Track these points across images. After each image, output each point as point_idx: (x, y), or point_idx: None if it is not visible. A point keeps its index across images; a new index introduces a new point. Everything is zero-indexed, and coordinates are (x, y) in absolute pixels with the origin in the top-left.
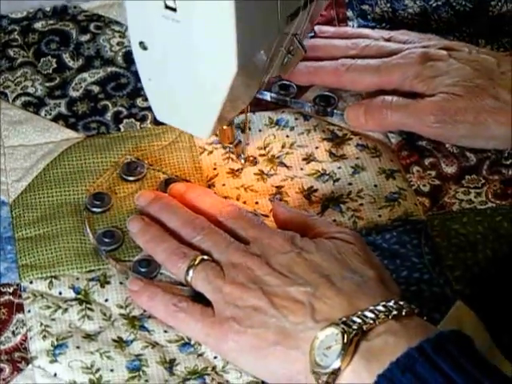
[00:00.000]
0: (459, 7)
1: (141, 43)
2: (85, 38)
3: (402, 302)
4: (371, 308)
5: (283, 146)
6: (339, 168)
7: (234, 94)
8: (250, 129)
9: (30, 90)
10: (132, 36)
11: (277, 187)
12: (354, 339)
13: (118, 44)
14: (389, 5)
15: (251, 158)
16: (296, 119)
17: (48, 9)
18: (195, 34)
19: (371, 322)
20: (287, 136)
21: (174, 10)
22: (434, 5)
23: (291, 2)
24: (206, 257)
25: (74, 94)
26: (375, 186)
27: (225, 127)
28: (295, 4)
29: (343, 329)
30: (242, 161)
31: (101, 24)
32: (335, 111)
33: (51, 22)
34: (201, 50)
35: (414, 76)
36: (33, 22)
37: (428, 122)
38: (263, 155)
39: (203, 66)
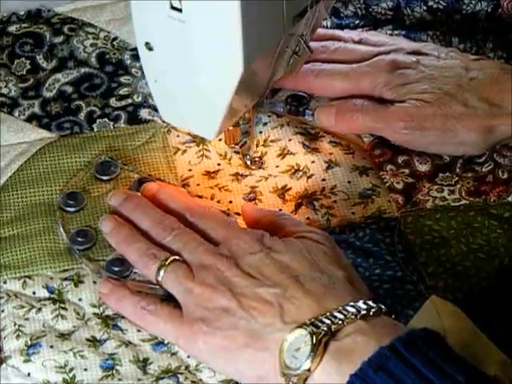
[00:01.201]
0: (432, 3)
1: (146, 44)
2: (58, 39)
3: (370, 302)
4: (340, 308)
5: (257, 145)
6: (313, 162)
7: (240, 95)
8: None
9: (4, 91)
10: (137, 37)
11: (251, 187)
12: (322, 340)
13: (91, 45)
14: (362, 0)
15: (257, 159)
16: (269, 116)
17: (22, 12)
18: (201, 35)
19: (340, 322)
20: (260, 132)
21: (180, 10)
22: None
23: (297, 2)
24: (177, 257)
25: (47, 94)
26: (348, 182)
27: (230, 128)
28: (301, 5)
29: (312, 330)
30: (248, 162)
31: (74, 26)
32: (307, 111)
33: (25, 25)
34: (207, 50)
35: (383, 84)
36: (6, 25)
37: (397, 128)
38: (237, 153)
39: (209, 66)
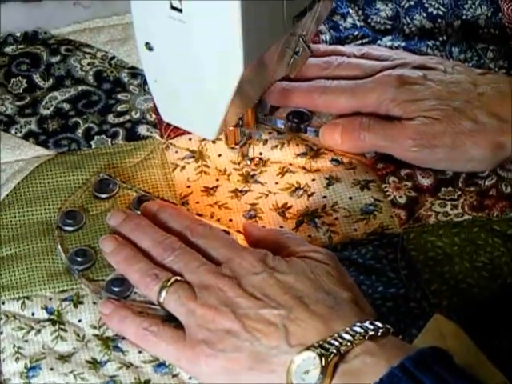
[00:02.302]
0: (432, 9)
1: (146, 44)
2: (55, 59)
3: (377, 323)
4: (347, 329)
5: (256, 164)
6: (313, 180)
7: (240, 95)
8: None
9: (0, 109)
10: (138, 37)
11: (251, 204)
12: (331, 362)
13: (88, 64)
14: (360, 12)
15: (257, 160)
16: (270, 133)
17: (18, 34)
18: (201, 35)
19: (348, 343)
20: (260, 153)
21: (180, 10)
22: (407, 5)
23: (297, 2)
24: (179, 278)
25: (44, 111)
26: (350, 198)
27: (230, 128)
28: (301, 5)
29: (321, 352)
30: (248, 162)
31: (71, 47)
32: (309, 128)
33: (21, 46)
34: (207, 50)
35: (390, 100)
36: (3, 46)
37: (406, 146)
38: (237, 169)
39: (209, 66)
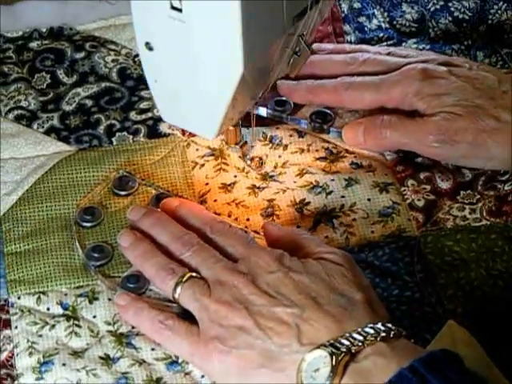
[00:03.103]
0: (458, 13)
1: (147, 44)
2: (79, 55)
3: (389, 325)
4: (359, 330)
5: (276, 167)
6: (332, 180)
7: (240, 95)
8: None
9: (23, 104)
10: (138, 37)
11: (268, 201)
12: (342, 361)
13: (112, 61)
14: (386, 14)
15: (257, 159)
16: (290, 136)
17: (44, 29)
18: (201, 35)
19: (359, 344)
20: (279, 156)
21: (180, 10)
22: (433, 9)
23: (297, 2)
24: (194, 274)
25: (67, 107)
26: (368, 199)
27: (231, 128)
28: (301, 5)
29: (332, 351)
30: (248, 161)
31: (96, 44)
32: (332, 128)
33: (46, 41)
34: (207, 50)
35: (414, 94)
36: (28, 41)
37: (427, 142)
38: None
39: (209, 66)
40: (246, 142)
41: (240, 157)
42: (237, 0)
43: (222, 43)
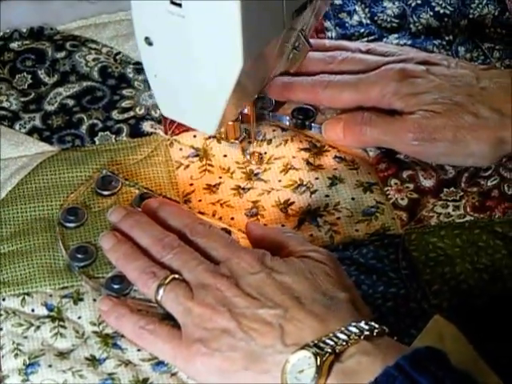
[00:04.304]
0: (439, 8)
1: (146, 39)
2: (60, 55)
3: (372, 323)
4: (343, 329)
5: (257, 161)
6: (316, 179)
7: (240, 90)
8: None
9: (5, 105)
10: (137, 32)
11: (253, 202)
12: (326, 361)
13: (93, 60)
14: (367, 10)
15: (256, 154)
16: (273, 130)
17: (24, 30)
18: (200, 30)
19: (344, 343)
20: (265, 152)
21: (179, 5)
22: (414, 4)
23: None
24: (177, 276)
25: (49, 107)
26: (352, 199)
27: (230, 123)
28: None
29: (316, 351)
30: (248, 157)
31: (77, 43)
32: (313, 124)
33: (27, 42)
34: (206, 45)
35: (392, 93)
36: (9, 41)
37: (406, 140)
38: (241, 168)
39: (209, 61)
40: (245, 137)
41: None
42: None
43: (221, 38)
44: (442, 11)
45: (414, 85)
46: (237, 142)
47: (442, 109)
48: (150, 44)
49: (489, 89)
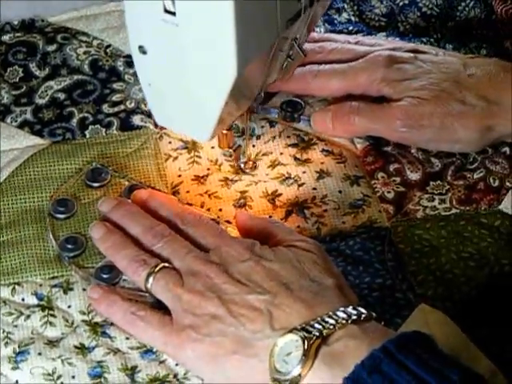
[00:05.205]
0: (426, 9)
1: (140, 47)
2: (51, 48)
3: (360, 308)
4: (330, 314)
5: (249, 158)
6: (304, 173)
7: (234, 99)
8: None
9: None
10: (131, 40)
11: (241, 192)
12: (314, 345)
13: (84, 53)
14: (356, 7)
15: (250, 163)
16: (262, 127)
17: (15, 22)
18: (195, 38)
19: (331, 327)
20: (253, 146)
21: (174, 13)
22: (401, 4)
23: (291, 6)
24: (166, 264)
25: (40, 101)
26: (339, 192)
27: (224, 131)
28: (294, 8)
29: (303, 335)
30: (242, 165)
31: (68, 35)
32: (302, 117)
33: (18, 34)
34: (200, 54)
35: (380, 79)
36: (0, 34)
37: (394, 127)
38: (229, 161)
39: (203, 70)
40: (239, 146)
41: (231, 165)
42: (231, 3)
43: (215, 47)
44: (428, 12)
45: (402, 70)
46: (230, 150)
47: (430, 95)
48: (144, 53)
49: (476, 76)
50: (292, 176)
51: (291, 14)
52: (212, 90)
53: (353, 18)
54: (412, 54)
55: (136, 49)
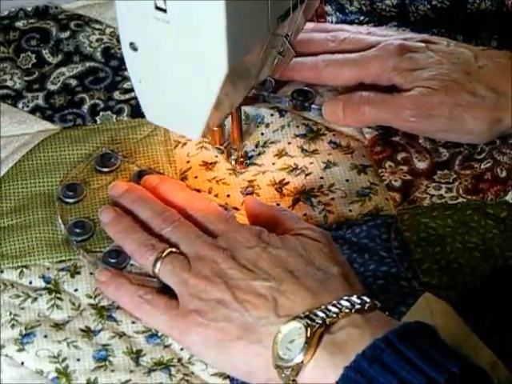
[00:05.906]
0: (436, 2)
1: (131, 44)
2: (64, 35)
3: (364, 297)
4: (334, 302)
5: (256, 146)
6: (311, 163)
7: (225, 96)
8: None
9: (9, 84)
10: (122, 37)
11: (248, 181)
12: (317, 332)
13: (97, 40)
14: None
15: (241, 160)
16: (272, 115)
17: (29, 9)
18: (185, 35)
19: (334, 315)
20: (262, 134)
21: (164, 10)
22: None
23: (281, 3)
24: (174, 249)
25: (52, 87)
26: (347, 180)
27: (215, 128)
28: (285, 5)
29: (306, 322)
30: (233, 162)
31: (81, 22)
32: (313, 106)
33: (32, 20)
34: (191, 51)
35: (391, 68)
36: (14, 20)
37: (404, 117)
38: (235, 150)
39: (194, 67)
40: (230, 143)
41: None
42: (221, 0)
43: (206, 44)
44: (439, 5)
45: (413, 60)
46: (221, 147)
47: (440, 85)
48: (135, 49)
49: (487, 68)
50: (299, 167)
51: (282, 11)
52: (203, 87)
53: (364, 8)
54: (423, 44)
55: (127, 45)
